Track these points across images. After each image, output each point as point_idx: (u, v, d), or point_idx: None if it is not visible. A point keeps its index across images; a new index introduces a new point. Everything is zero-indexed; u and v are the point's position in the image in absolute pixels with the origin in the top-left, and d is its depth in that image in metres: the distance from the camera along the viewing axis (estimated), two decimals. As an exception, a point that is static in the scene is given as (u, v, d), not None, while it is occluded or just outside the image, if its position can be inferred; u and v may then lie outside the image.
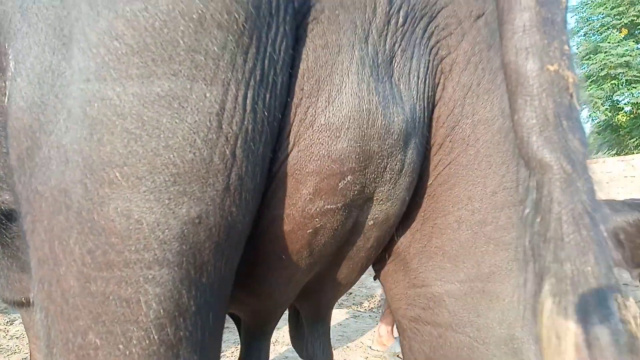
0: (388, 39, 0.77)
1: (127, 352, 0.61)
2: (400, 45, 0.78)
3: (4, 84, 0.72)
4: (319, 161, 0.73)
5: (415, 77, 0.79)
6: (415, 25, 0.78)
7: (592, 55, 16.15)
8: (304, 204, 0.76)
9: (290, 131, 0.72)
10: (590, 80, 16.92)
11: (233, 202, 0.65)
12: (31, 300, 1.01)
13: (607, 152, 17.84)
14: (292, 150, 0.73)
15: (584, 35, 17.72)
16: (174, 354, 0.64)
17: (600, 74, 15.96)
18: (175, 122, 0.60)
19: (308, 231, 0.79)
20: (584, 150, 0.66)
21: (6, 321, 3.06)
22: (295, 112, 0.72)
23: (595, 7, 16.37)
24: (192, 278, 0.64)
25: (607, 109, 17.03)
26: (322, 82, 0.72)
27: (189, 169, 0.61)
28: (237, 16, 0.61)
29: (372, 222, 0.86)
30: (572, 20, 17.84)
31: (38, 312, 0.66)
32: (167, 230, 0.60)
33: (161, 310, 0.62)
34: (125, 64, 0.59)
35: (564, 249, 0.64)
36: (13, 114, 0.67)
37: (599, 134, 18.50)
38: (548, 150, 0.65)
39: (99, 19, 0.60)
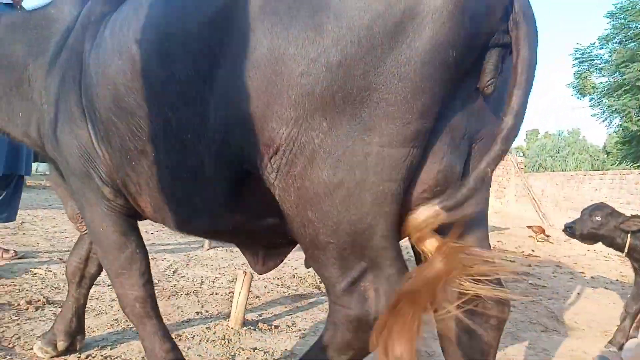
0: None
1: None
2: None
3: None
4: None
5: None
6: None
7: (629, 63, 15.71)
8: None
9: None
10: (624, 89, 16.49)
11: None
12: None
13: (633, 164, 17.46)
14: None
15: (620, 42, 17.28)
16: None
17: (636, 83, 15.54)
18: None
19: None
20: None
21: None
22: None
23: (634, 15, 15.91)
24: None
25: (639, 119, 16.61)
26: None
27: None
28: None
29: None
30: (608, 27, 17.41)
31: None
32: None
33: None
34: None
35: None
36: None
37: (629, 145, 18.08)
38: None
39: None
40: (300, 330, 2.78)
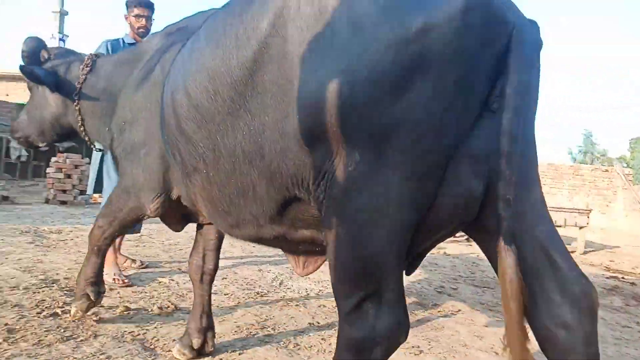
0: None
1: None
2: None
3: None
4: None
5: None
6: None
7: None
8: None
9: None
10: None
11: None
12: None
13: None
14: None
15: None
16: None
17: None
18: None
19: None
20: None
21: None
22: None
23: None
24: None
25: None
26: None
27: None
28: None
29: None
30: None
31: None
32: None
33: None
34: None
35: None
36: None
37: None
38: None
39: None
40: (413, 346, 2.79)
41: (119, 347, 2.37)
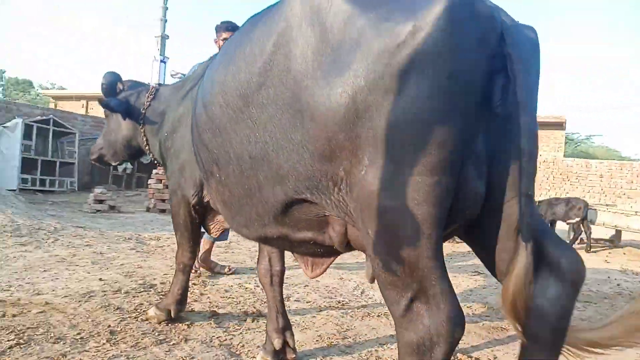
0: None
1: None
2: None
3: None
4: None
5: None
6: None
7: None
8: None
9: None
10: None
11: None
12: None
13: None
14: None
15: None
16: None
17: None
18: None
19: None
20: None
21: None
22: None
23: None
24: None
25: None
26: None
27: None
28: None
29: None
30: None
31: None
32: None
33: None
34: None
35: None
36: None
37: None
38: None
39: None
40: (502, 364, 2.62)
41: (207, 351, 2.48)
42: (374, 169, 1.23)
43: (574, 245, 8.38)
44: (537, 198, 18.01)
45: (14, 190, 10.97)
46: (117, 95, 3.11)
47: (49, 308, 2.94)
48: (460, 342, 2.98)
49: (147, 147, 3.10)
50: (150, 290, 3.58)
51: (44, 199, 10.57)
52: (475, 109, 1.22)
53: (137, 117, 3.06)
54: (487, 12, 1.21)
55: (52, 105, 23.31)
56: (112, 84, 3.08)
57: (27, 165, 11.70)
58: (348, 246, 1.61)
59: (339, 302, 3.67)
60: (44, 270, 3.93)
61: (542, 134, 19.60)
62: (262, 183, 1.64)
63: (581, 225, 8.07)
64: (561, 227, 8.94)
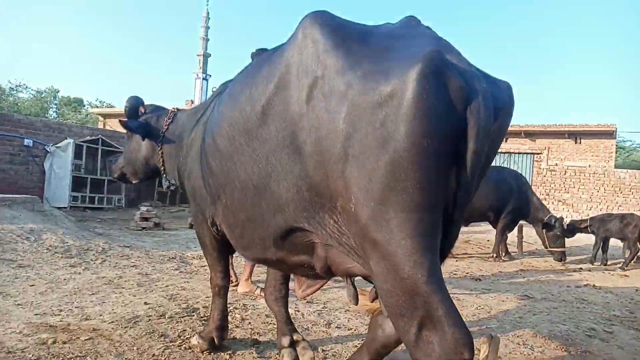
0: None
1: None
2: None
3: None
4: None
5: None
6: None
7: None
8: None
9: None
10: None
11: None
12: None
13: None
14: None
15: None
16: None
17: None
18: None
19: None
20: None
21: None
22: None
23: None
24: None
25: None
26: None
27: None
28: None
29: None
30: None
31: None
32: None
33: None
34: None
35: None
36: None
37: None
38: None
39: None
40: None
41: (249, 384, 2.45)
42: (363, 207, 1.37)
43: (608, 263, 7.92)
44: (587, 212, 17.27)
45: (65, 207, 11.46)
46: (138, 117, 3.29)
47: (96, 335, 3.00)
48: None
49: (162, 168, 3.25)
50: (193, 315, 3.60)
51: (92, 216, 10.99)
52: (445, 158, 1.36)
53: (156, 139, 3.22)
54: (456, 83, 1.33)
55: (100, 124, 24.36)
56: (135, 107, 3.28)
57: (77, 183, 12.22)
58: (329, 271, 1.79)
59: (382, 329, 3.58)
60: (92, 294, 4.04)
61: (590, 143, 18.81)
62: (264, 210, 1.82)
63: (638, 243, 7.62)
64: (615, 244, 8.49)
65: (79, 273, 4.76)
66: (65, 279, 4.45)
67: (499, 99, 1.48)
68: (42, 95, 35.48)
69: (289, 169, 1.63)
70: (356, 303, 1.94)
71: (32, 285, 4.11)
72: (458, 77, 1.34)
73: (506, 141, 20.10)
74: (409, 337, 1.35)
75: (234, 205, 2.02)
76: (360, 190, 1.37)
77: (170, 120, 3.19)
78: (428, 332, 1.32)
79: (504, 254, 8.28)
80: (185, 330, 3.24)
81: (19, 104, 21.66)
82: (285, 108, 1.61)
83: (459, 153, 1.37)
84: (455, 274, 6.32)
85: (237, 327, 3.44)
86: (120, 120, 3.30)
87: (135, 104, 3.29)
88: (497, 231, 8.18)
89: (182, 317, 3.55)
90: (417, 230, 1.31)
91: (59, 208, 11.14)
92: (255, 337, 3.20)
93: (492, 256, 8.05)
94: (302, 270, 1.98)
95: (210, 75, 21.01)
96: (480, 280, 6.05)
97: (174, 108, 3.33)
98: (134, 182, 3.64)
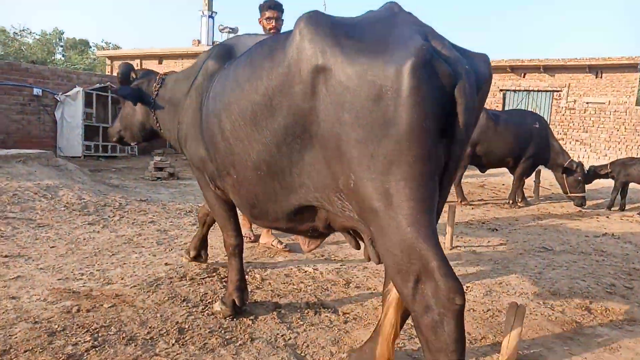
0: None
1: None
2: None
3: None
4: None
5: None
6: None
7: None
8: None
9: None
10: None
11: None
12: None
13: None
14: None
15: None
16: None
17: None
18: None
19: None
20: None
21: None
22: None
23: None
24: None
25: None
26: None
27: None
28: None
29: None
30: None
31: None
32: None
33: None
34: None
35: None
36: None
37: None
38: None
39: None
40: (581, 373, 2.46)
41: (274, 354, 2.48)
42: (365, 181, 1.57)
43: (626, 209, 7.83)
44: (605, 153, 16.90)
45: (79, 157, 11.52)
46: (130, 84, 3.40)
47: (119, 301, 3.04)
48: (528, 339, 2.85)
49: (161, 131, 3.39)
50: (214, 276, 3.63)
51: (107, 165, 11.04)
52: (438, 134, 1.55)
53: (149, 104, 3.33)
54: (444, 70, 1.52)
55: (107, 67, 23.97)
56: (126, 74, 3.39)
57: (89, 132, 12.19)
58: (330, 227, 2.05)
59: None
60: (112, 254, 4.08)
61: (612, 77, 18.11)
62: (277, 190, 2.02)
63: (660, 188, 7.46)
64: (634, 187, 8.35)
65: (98, 232, 4.80)
66: (84, 239, 4.50)
67: (480, 72, 1.69)
68: (47, 38, 34.75)
69: (301, 156, 1.83)
70: (377, 262, 2.00)
71: (53, 247, 4.16)
72: (445, 65, 1.52)
73: (524, 77, 19.45)
74: (407, 291, 1.53)
75: (246, 182, 2.19)
76: (362, 167, 1.57)
77: (159, 85, 3.28)
78: (424, 286, 1.50)
79: (520, 200, 8.20)
80: (207, 293, 3.27)
81: (24, 50, 21.22)
82: (293, 104, 1.77)
83: (448, 127, 1.56)
84: (471, 224, 6.29)
85: (257, 288, 3.47)
86: (112, 90, 3.71)
87: (126, 71, 3.38)
88: (515, 177, 8.05)
89: (203, 278, 3.58)
90: (416, 195, 1.50)
91: (73, 157, 11.20)
92: (275, 300, 3.23)
93: (508, 202, 7.98)
94: (308, 233, 2.23)
95: (216, 13, 20.32)
96: (497, 230, 6.01)
97: (162, 73, 3.45)
98: (132, 144, 3.80)
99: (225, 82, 2.28)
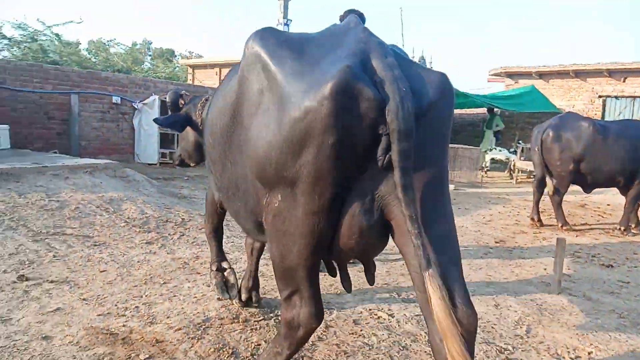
0: None
1: None
2: None
3: None
4: None
5: None
6: None
7: None
8: None
9: None
10: None
11: None
12: None
13: None
14: None
15: None
16: None
17: None
18: None
19: None
20: None
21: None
22: None
23: None
24: None
25: None
26: None
27: None
28: None
29: None
30: None
31: None
32: None
33: None
34: None
35: None
36: None
37: None
38: None
39: None
40: None
41: None
42: (280, 204, 1.70)
43: None
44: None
45: (155, 164, 11.68)
46: (180, 110, 3.47)
47: (158, 350, 2.58)
48: None
49: None
50: (271, 318, 3.09)
51: (180, 173, 11.07)
52: (358, 166, 1.61)
53: (196, 127, 3.37)
54: (367, 94, 1.52)
55: (189, 76, 24.78)
56: (175, 101, 3.50)
57: (164, 140, 12.35)
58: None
59: (499, 349, 2.83)
60: (164, 282, 3.68)
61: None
62: (241, 206, 2.19)
63: None
64: None
65: (154, 252, 4.46)
66: (138, 261, 4.16)
67: (424, 93, 1.63)
68: (136, 47, 36.95)
69: (246, 173, 1.95)
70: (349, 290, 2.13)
71: (103, 271, 3.84)
72: (370, 88, 1.53)
73: (624, 81, 17.33)
74: (284, 294, 1.88)
75: (229, 199, 2.35)
76: (275, 191, 1.72)
77: (202, 107, 3.29)
78: (296, 298, 1.85)
79: (633, 226, 6.95)
80: (259, 344, 2.73)
81: (110, 59, 22.48)
82: (242, 118, 1.90)
83: (383, 153, 1.57)
84: (578, 257, 5.26)
85: (319, 339, 2.87)
86: (154, 119, 3.73)
87: (175, 99, 3.49)
88: (628, 199, 6.81)
89: (258, 321, 3.05)
90: (314, 232, 1.66)
91: (150, 165, 11.35)
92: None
93: (619, 229, 6.77)
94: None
95: (291, 20, 20.39)
96: (612, 266, 4.97)
97: (207, 95, 3.43)
98: (192, 165, 3.81)
99: (215, 98, 2.47)
